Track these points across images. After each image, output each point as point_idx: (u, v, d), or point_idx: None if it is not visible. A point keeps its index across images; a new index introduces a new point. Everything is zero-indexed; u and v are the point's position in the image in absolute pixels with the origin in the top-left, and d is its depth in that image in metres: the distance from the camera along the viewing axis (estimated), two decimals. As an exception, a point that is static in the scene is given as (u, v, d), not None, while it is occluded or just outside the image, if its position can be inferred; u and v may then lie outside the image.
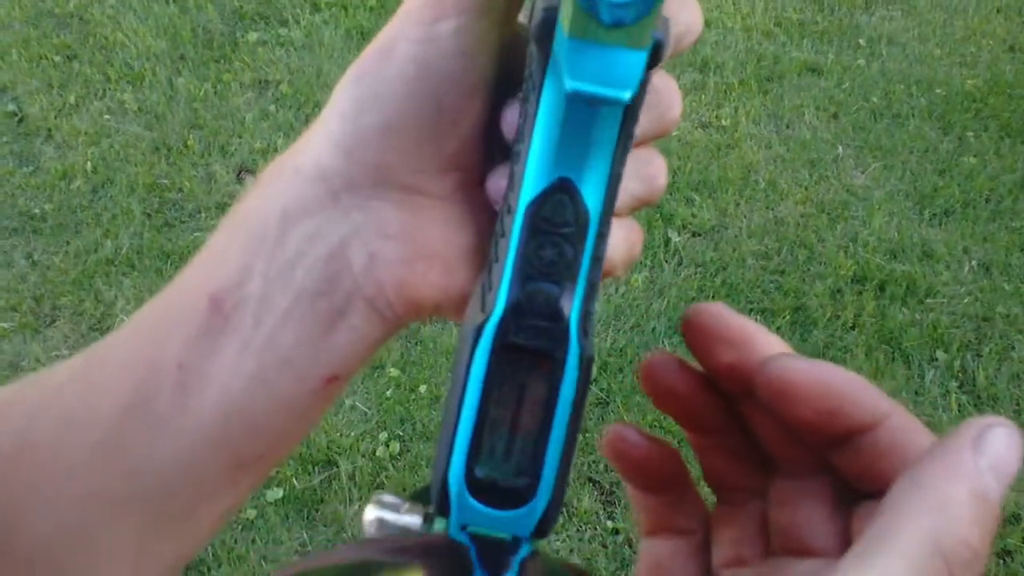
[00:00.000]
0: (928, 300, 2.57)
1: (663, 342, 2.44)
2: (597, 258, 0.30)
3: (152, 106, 3.19)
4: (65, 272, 2.62)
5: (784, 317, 2.50)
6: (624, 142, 0.29)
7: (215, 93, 3.26)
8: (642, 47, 0.24)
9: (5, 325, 2.47)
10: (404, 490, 2.14)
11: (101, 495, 0.37)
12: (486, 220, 0.37)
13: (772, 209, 2.87)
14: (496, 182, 0.36)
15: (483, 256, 0.35)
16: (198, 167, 2.95)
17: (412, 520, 0.31)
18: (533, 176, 0.29)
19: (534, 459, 0.30)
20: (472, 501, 0.29)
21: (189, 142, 3.03)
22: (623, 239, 0.37)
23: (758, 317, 2.50)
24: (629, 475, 0.37)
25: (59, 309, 2.52)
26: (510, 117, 0.35)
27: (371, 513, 0.30)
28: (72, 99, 3.22)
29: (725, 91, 3.36)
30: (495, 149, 0.37)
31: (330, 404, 0.39)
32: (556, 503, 0.31)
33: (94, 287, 2.57)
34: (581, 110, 0.27)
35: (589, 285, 0.30)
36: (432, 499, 0.30)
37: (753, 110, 3.28)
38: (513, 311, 0.29)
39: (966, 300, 2.58)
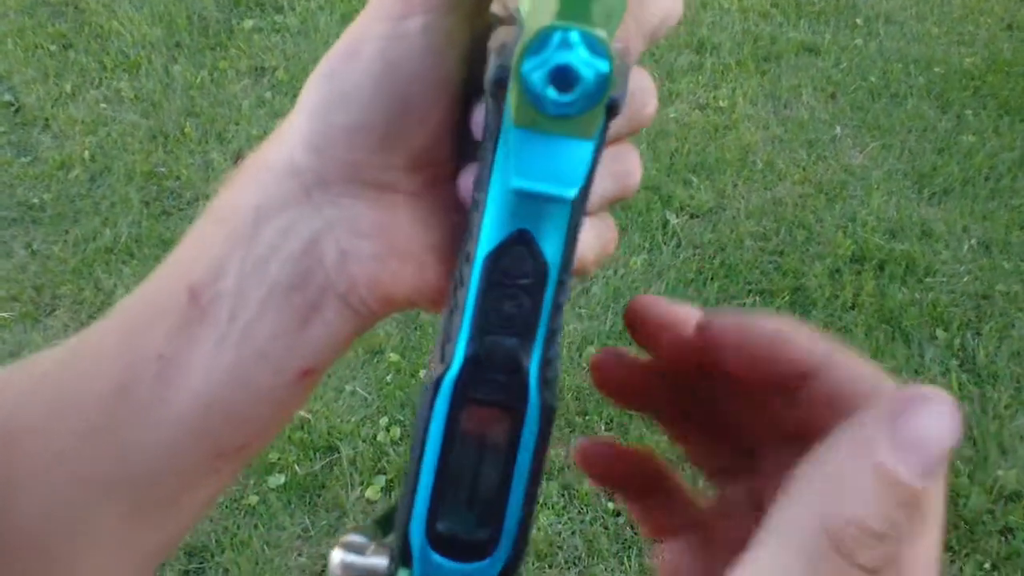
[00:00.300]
0: (927, 279, 2.57)
1: (663, 324, 2.44)
2: (557, 306, 0.30)
3: (148, 94, 3.19)
4: (65, 261, 2.62)
5: (783, 298, 2.50)
6: (584, 191, 0.28)
7: (211, 80, 3.25)
8: (590, 137, 0.24)
9: (6, 315, 2.47)
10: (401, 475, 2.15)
11: (88, 481, 0.38)
12: (458, 216, 0.37)
13: (770, 190, 2.87)
14: (467, 179, 0.36)
15: (455, 253, 0.35)
16: (195, 155, 2.95)
17: (378, 562, 0.31)
18: (491, 228, 0.29)
19: (496, 512, 0.29)
20: (434, 555, 0.29)
21: (186, 130, 3.03)
22: (595, 237, 0.37)
23: (757, 298, 2.50)
24: (604, 483, 0.37)
25: (59, 298, 2.53)
26: (479, 115, 0.34)
27: (337, 556, 0.30)
28: (68, 88, 3.21)
29: (722, 72, 3.36)
30: (466, 145, 0.37)
31: (307, 396, 0.40)
32: (518, 555, 0.31)
33: (94, 276, 2.57)
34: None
35: (549, 334, 0.30)
36: (396, 552, 0.30)
37: (750, 91, 3.27)
38: (471, 364, 0.29)
39: (966, 279, 2.58)
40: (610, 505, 2.05)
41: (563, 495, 2.07)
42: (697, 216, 2.78)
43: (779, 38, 3.53)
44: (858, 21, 3.64)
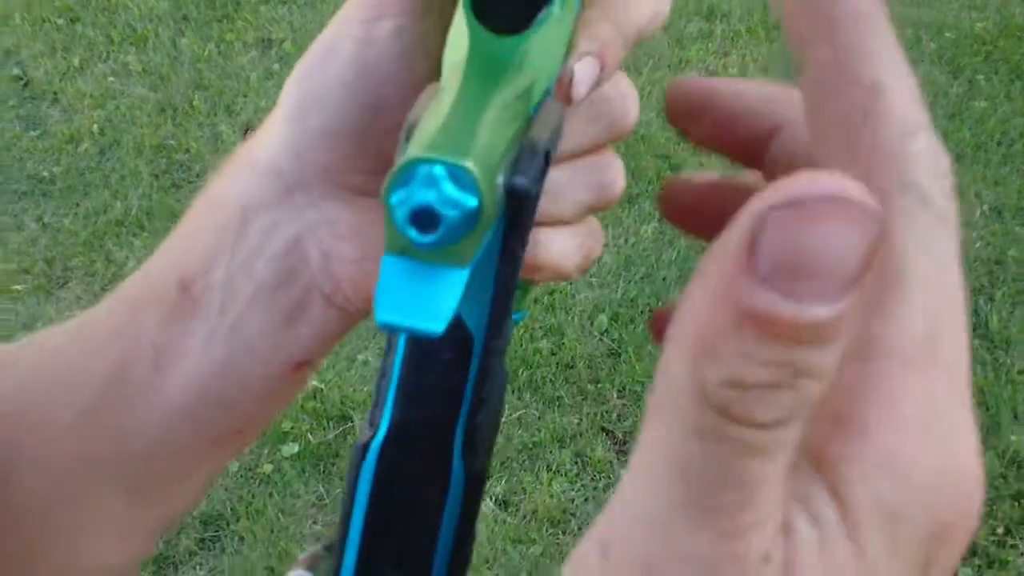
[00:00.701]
0: (940, 244, 2.56)
1: (673, 291, 2.44)
2: (484, 372, 0.29)
3: (156, 67, 3.18)
4: (75, 234, 2.62)
5: (795, 264, 2.49)
6: (510, 254, 0.27)
7: (219, 53, 3.24)
8: (464, 265, 0.22)
9: (19, 287, 2.48)
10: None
11: (89, 458, 0.39)
12: None
13: (781, 157, 2.86)
14: None
15: None
16: (204, 127, 2.95)
17: None
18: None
19: (421, 573, 0.29)
20: None
21: (195, 103, 3.02)
22: (576, 247, 0.37)
23: (769, 265, 2.50)
24: (694, 228, 0.33)
25: (71, 271, 2.53)
26: None
27: None
28: (76, 62, 3.21)
29: (732, 39, 3.34)
30: None
31: (302, 385, 0.40)
32: None
33: (104, 248, 2.57)
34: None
35: (476, 402, 0.29)
36: None
37: (761, 58, 3.25)
38: (396, 432, 0.29)
39: (978, 244, 2.57)
40: (622, 473, 2.06)
41: (576, 462, 2.08)
42: (708, 184, 2.77)
43: (789, 5, 3.51)
44: (868, -13, 3.61)
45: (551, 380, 2.25)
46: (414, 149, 0.22)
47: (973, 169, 2.80)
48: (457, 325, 0.28)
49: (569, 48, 0.32)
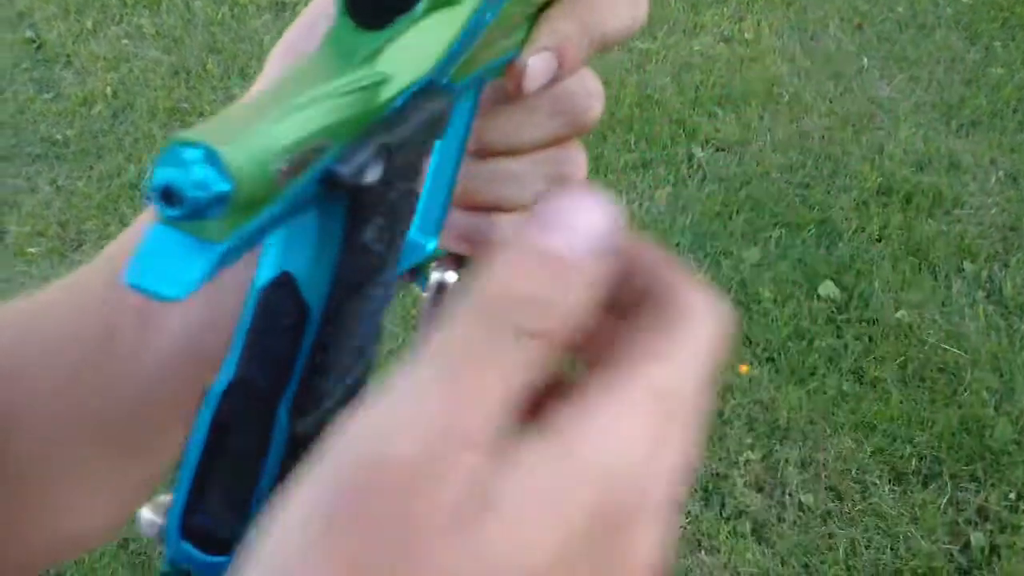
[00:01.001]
0: (955, 211, 2.55)
1: (688, 256, 2.44)
2: (322, 346, 0.31)
3: (170, 30, 3.17)
4: (89, 197, 2.63)
5: (809, 230, 2.49)
6: (352, 241, 0.29)
7: (232, 16, 3.23)
8: (219, 240, 0.24)
9: (33, 250, 2.49)
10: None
11: (80, 415, 0.40)
12: None
13: (796, 122, 2.84)
14: None
15: None
16: (218, 91, 2.94)
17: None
18: (265, 264, 0.30)
19: (241, 517, 0.31)
20: (184, 544, 0.31)
21: (208, 66, 3.02)
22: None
23: (783, 231, 2.49)
24: None
25: (84, 233, 2.54)
26: None
27: (146, 514, 0.32)
28: (90, 24, 3.20)
29: (748, 3, 3.31)
30: None
31: None
32: None
33: (119, 211, 2.58)
34: (306, 211, 0.28)
35: (312, 369, 0.31)
36: (161, 534, 0.32)
37: (776, 22, 3.23)
38: (232, 386, 0.31)
39: (993, 211, 2.56)
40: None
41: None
42: (722, 149, 2.76)
43: (805, -31, 3.48)
44: (886, -48, 3.58)
45: (564, 344, 2.26)
46: (187, 131, 0.24)
47: (989, 136, 2.79)
48: (296, 296, 0.30)
49: (526, 41, 0.33)
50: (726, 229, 2.51)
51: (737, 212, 2.55)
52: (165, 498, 0.32)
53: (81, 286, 0.41)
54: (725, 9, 3.29)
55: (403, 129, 0.28)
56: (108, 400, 0.39)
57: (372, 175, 0.27)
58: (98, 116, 2.87)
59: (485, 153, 0.37)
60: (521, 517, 0.22)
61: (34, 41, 3.15)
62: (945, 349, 2.19)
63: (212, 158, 0.23)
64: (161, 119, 2.84)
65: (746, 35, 3.17)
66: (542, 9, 0.34)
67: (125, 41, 3.14)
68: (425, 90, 0.29)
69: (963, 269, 2.40)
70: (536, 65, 0.33)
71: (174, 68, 3.02)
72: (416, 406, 0.23)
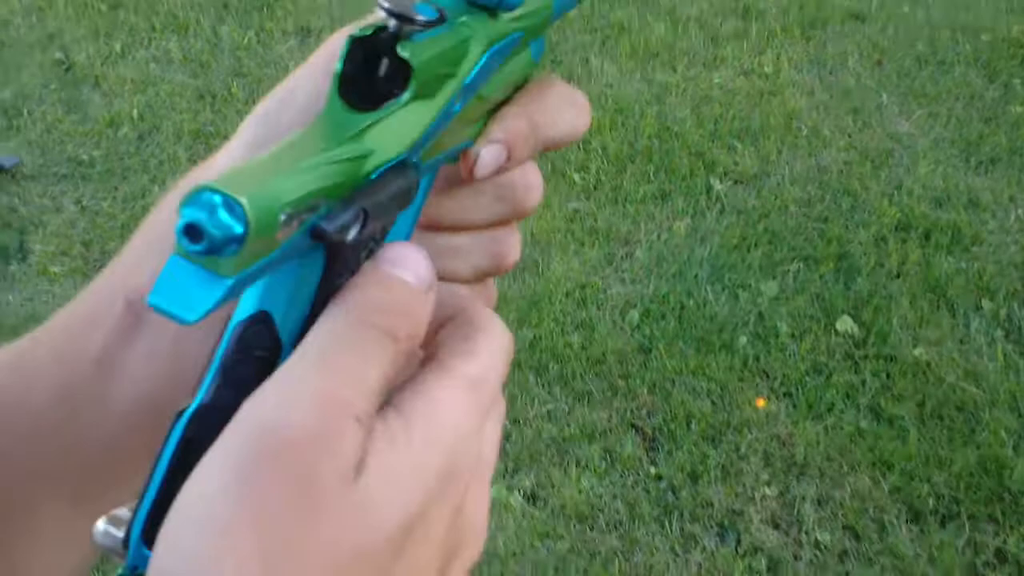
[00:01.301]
0: (974, 248, 2.56)
1: (705, 288, 2.45)
2: None
3: (197, 55, 3.21)
4: (114, 217, 2.65)
5: (828, 264, 2.50)
6: (326, 286, 0.33)
7: (258, 41, 3.27)
8: (229, 275, 0.28)
9: (56, 269, 2.51)
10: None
11: (34, 475, 0.41)
12: None
13: (815, 156, 2.86)
14: None
15: None
16: (242, 115, 2.94)
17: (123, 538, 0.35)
18: (245, 300, 0.34)
19: None
20: (145, 551, 0.33)
21: (233, 90, 3.05)
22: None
23: (801, 265, 2.50)
24: None
25: (108, 253, 2.56)
26: None
27: (100, 525, 0.34)
28: (118, 48, 3.24)
29: (768, 38, 3.34)
30: None
31: None
32: None
33: (143, 233, 2.60)
34: (288, 259, 0.31)
35: None
36: (124, 540, 0.34)
37: (795, 57, 3.25)
38: (203, 410, 0.33)
39: (1012, 249, 2.56)
40: (652, 469, 2.07)
41: (605, 458, 2.10)
42: (741, 182, 2.77)
43: (825, 4, 3.50)
44: (906, -13, 3.60)
45: (581, 375, 2.27)
46: (210, 181, 0.28)
47: (1008, 173, 2.79)
48: (272, 332, 0.34)
49: (479, 133, 0.38)
50: (744, 262, 2.52)
51: (755, 245, 2.57)
52: (121, 511, 0.34)
53: (35, 351, 0.42)
54: (745, 43, 3.31)
55: (379, 197, 0.33)
56: (65, 457, 0.40)
57: (352, 234, 0.31)
58: (124, 138, 2.90)
59: (434, 227, 0.41)
60: (391, 480, 0.29)
61: (63, 63, 3.19)
62: (963, 388, 2.19)
63: (233, 205, 0.27)
64: (186, 142, 2.87)
65: (765, 69, 3.19)
66: (499, 107, 0.39)
67: (153, 65, 3.18)
68: (400, 165, 0.33)
69: (981, 307, 2.40)
70: (487, 155, 0.38)
71: (200, 92, 3.06)
72: (312, 381, 0.29)
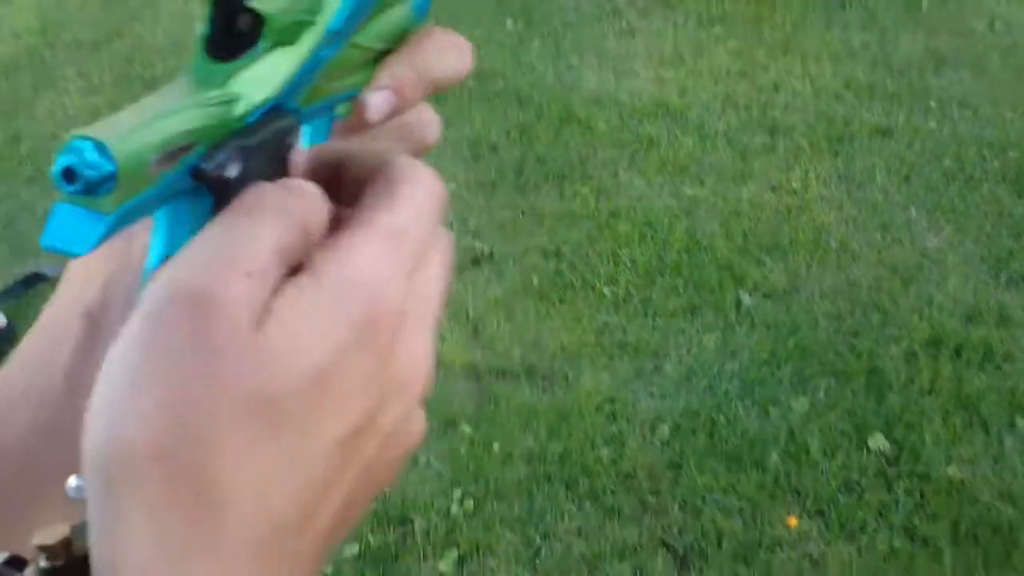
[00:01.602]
0: (1006, 365, 2.54)
1: (735, 404, 2.44)
2: None
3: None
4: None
5: (859, 380, 2.49)
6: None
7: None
8: (108, 212, 0.31)
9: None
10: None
11: (24, 514, 0.42)
12: None
13: (844, 271, 2.87)
14: None
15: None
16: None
17: None
18: (153, 250, 0.36)
19: None
20: None
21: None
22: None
23: (831, 380, 2.50)
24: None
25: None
26: None
27: (73, 480, 0.35)
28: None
29: (795, 153, 3.38)
30: None
31: None
32: None
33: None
34: (182, 200, 0.35)
35: None
36: None
37: (823, 172, 3.29)
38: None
39: (1042, 369, 2.55)
40: (683, 586, 2.05)
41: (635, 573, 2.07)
42: (770, 296, 2.79)
43: (852, 120, 3.55)
44: (932, 104, 3.64)
45: (611, 490, 2.25)
46: (80, 129, 0.31)
47: (1038, 290, 2.79)
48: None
49: (367, 80, 0.41)
50: (774, 377, 2.52)
51: (786, 360, 2.56)
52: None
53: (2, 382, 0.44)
54: (773, 158, 3.35)
55: (256, 137, 0.36)
56: (40, 484, 0.41)
57: (232, 171, 0.34)
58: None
59: None
60: (295, 329, 0.30)
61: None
62: (998, 508, 2.16)
63: (101, 147, 0.30)
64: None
65: (793, 184, 3.23)
66: (384, 55, 0.42)
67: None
68: (275, 110, 0.36)
69: (1015, 424, 2.38)
70: (374, 100, 0.40)
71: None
72: (203, 246, 0.31)
